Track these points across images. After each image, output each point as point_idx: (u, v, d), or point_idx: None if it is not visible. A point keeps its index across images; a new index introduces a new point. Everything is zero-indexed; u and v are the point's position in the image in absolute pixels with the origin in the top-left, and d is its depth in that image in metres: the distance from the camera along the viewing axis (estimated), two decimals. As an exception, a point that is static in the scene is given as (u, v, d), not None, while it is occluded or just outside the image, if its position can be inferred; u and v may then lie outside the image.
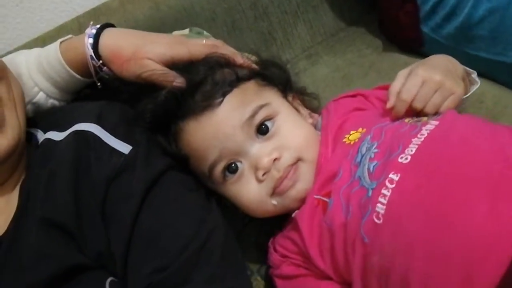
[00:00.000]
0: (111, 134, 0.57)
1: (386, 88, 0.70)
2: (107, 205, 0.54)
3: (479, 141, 0.51)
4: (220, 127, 0.58)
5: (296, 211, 0.60)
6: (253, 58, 0.83)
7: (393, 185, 0.49)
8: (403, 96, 0.58)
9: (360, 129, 0.60)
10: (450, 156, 0.49)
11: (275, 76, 0.66)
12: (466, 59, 0.85)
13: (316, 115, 0.71)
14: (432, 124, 0.54)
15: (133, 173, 0.54)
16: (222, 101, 0.58)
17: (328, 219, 0.54)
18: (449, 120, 0.55)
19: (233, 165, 0.59)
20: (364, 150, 0.56)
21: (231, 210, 0.64)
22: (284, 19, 1.02)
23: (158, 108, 0.59)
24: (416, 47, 0.95)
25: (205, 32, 0.82)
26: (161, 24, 0.88)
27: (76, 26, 0.87)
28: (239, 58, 0.65)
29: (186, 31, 0.82)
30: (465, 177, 0.47)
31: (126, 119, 0.60)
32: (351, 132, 0.61)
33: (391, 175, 0.50)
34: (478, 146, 0.50)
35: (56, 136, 0.58)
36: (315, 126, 0.69)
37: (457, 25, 0.84)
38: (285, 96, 0.66)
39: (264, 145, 0.59)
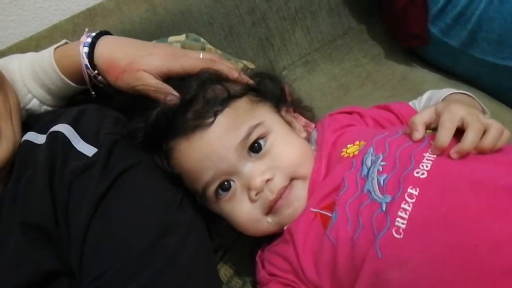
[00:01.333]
0: (81, 136, 0.56)
1: (383, 108, 0.71)
2: (68, 211, 0.53)
3: (494, 155, 0.52)
4: (213, 148, 0.57)
5: (288, 224, 0.59)
6: (252, 66, 0.83)
7: (414, 200, 0.49)
8: (446, 124, 0.53)
9: (357, 142, 0.60)
10: (469, 169, 0.50)
11: (269, 90, 0.65)
12: (471, 63, 0.87)
13: (311, 126, 0.71)
14: None
15: (91, 177, 0.53)
16: (213, 121, 0.57)
17: (332, 234, 0.53)
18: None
19: (226, 183, 0.59)
20: (369, 162, 0.55)
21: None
22: (282, 25, 1.01)
23: (149, 128, 0.58)
24: (418, 44, 0.95)
25: (201, 39, 0.81)
26: (157, 28, 0.87)
27: (71, 26, 0.85)
28: (234, 73, 0.63)
29: (183, 36, 0.81)
30: (487, 188, 0.47)
31: (101, 122, 0.58)
32: (348, 145, 0.60)
33: (410, 190, 0.49)
34: (494, 158, 0.51)
35: (36, 138, 0.58)
36: (309, 139, 0.68)
37: (468, 27, 0.84)
38: (278, 110, 0.66)
39: (256, 165, 0.58)
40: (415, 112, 0.69)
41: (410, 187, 0.50)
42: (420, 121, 0.56)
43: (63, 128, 0.56)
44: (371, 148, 0.57)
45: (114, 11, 0.87)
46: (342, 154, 0.60)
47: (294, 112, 0.72)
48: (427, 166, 0.51)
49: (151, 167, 0.58)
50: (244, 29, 0.97)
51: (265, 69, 0.76)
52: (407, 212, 0.48)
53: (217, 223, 0.66)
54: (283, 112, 0.67)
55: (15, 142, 0.56)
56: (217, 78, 0.61)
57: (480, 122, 0.53)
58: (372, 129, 0.66)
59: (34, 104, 0.65)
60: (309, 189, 0.60)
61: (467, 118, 0.52)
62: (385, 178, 0.52)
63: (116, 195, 0.53)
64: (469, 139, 0.51)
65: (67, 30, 0.85)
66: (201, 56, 0.64)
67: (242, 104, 0.61)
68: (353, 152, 0.59)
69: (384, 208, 0.50)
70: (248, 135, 0.58)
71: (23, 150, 0.57)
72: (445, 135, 0.52)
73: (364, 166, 0.55)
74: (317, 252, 0.55)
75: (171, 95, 0.59)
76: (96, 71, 0.62)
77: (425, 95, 0.72)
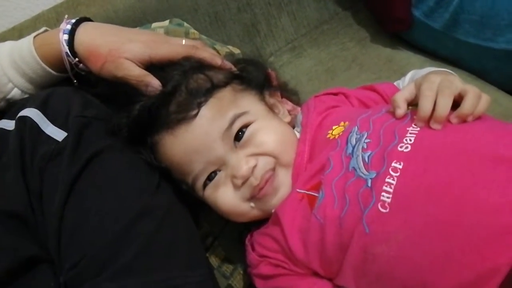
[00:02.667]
0: (50, 120, 0.55)
1: (368, 88, 0.71)
2: (43, 198, 0.52)
3: (477, 124, 0.52)
4: (199, 141, 0.57)
5: (275, 208, 0.60)
6: (237, 51, 0.83)
7: (398, 173, 0.49)
8: (425, 92, 0.52)
9: (342, 123, 0.60)
10: (452, 140, 0.50)
11: (253, 77, 0.65)
12: (454, 45, 0.88)
13: (297, 110, 0.71)
14: None
15: (61, 162, 0.52)
16: (197, 113, 0.57)
17: (319, 213, 0.53)
18: None
19: (213, 173, 0.59)
20: (354, 141, 0.55)
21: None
22: (268, 10, 1.00)
23: (132, 123, 0.58)
24: (402, 29, 0.95)
25: (185, 24, 0.81)
26: (141, 15, 0.86)
27: (54, 16, 0.85)
28: (217, 60, 0.63)
29: (166, 22, 0.80)
30: (471, 157, 0.48)
31: (70, 104, 0.58)
32: (333, 127, 0.61)
33: (394, 164, 0.50)
34: (477, 128, 0.51)
35: (7, 124, 0.57)
36: (294, 123, 0.69)
37: (450, 9, 0.85)
38: (262, 98, 0.66)
39: (240, 153, 0.59)
40: (397, 90, 0.68)
41: (394, 161, 0.50)
42: (401, 97, 0.56)
43: (31, 112, 0.55)
44: (356, 127, 0.57)
45: (97, -1, 0.86)
46: (328, 136, 0.60)
47: (282, 97, 0.72)
48: (410, 140, 0.51)
49: (124, 150, 0.57)
50: (229, 15, 0.96)
51: (250, 55, 0.75)
52: (392, 186, 0.49)
53: (205, 210, 0.66)
54: (267, 96, 0.67)
55: None
56: (200, 66, 0.61)
57: (460, 86, 0.53)
58: (356, 109, 0.66)
59: (15, 93, 0.64)
60: (293, 173, 0.60)
61: (444, 83, 0.53)
62: (369, 155, 0.53)
63: (88, 180, 0.52)
64: (469, 102, 0.51)
65: (50, 19, 0.84)
66: (183, 43, 0.63)
67: (226, 94, 0.61)
68: (338, 133, 0.59)
69: (369, 184, 0.50)
70: (232, 123, 0.58)
71: None
72: (426, 104, 0.52)
73: (349, 144, 0.55)
74: (305, 232, 0.55)
75: (152, 85, 0.58)
76: (77, 59, 0.61)
77: (408, 75, 0.72)
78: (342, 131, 0.58)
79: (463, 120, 0.52)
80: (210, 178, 0.59)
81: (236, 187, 0.59)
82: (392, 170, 0.50)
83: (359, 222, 0.50)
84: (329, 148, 0.58)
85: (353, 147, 0.55)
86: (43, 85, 0.66)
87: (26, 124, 0.54)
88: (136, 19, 0.86)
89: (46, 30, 0.66)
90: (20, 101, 0.61)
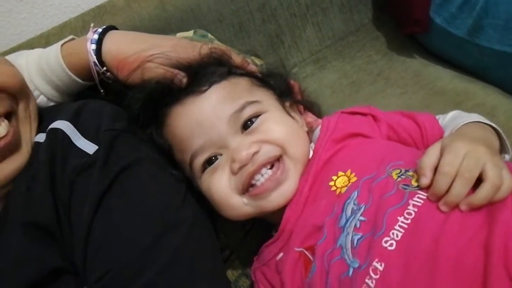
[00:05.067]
0: (81, 134, 0.55)
1: (406, 116, 0.66)
2: (71, 210, 0.52)
3: (465, 223, 0.47)
4: (204, 115, 0.57)
5: (281, 255, 0.58)
6: (259, 62, 0.82)
7: (378, 276, 0.46)
8: (444, 168, 0.48)
9: (348, 172, 0.56)
10: (435, 253, 0.45)
11: (274, 83, 0.65)
12: (478, 53, 0.85)
13: (317, 122, 0.68)
14: (420, 199, 0.49)
15: (92, 176, 0.53)
16: (207, 89, 0.58)
17: (312, 283, 0.52)
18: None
19: (213, 158, 0.58)
20: (349, 212, 0.52)
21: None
22: (292, 21, 1.00)
23: (147, 97, 0.59)
24: (419, 31, 0.93)
25: (209, 35, 0.81)
26: (166, 25, 0.87)
27: (80, 24, 0.86)
28: (243, 61, 0.64)
29: (191, 33, 0.80)
30: (451, 277, 0.44)
31: (101, 117, 0.58)
32: (339, 173, 0.57)
33: (375, 263, 0.47)
34: (464, 232, 0.46)
35: (39, 137, 0.58)
36: (311, 138, 0.66)
37: (474, 14, 0.82)
38: (280, 100, 0.64)
39: (244, 139, 0.57)
40: (439, 127, 0.64)
41: (376, 260, 0.47)
42: (429, 165, 0.50)
43: (63, 125, 0.56)
44: (356, 193, 0.54)
45: (124, 8, 0.87)
46: (330, 184, 0.57)
47: (304, 110, 0.71)
48: (397, 236, 0.47)
49: (152, 163, 0.58)
50: (254, 26, 0.96)
51: (274, 66, 0.75)
52: None
53: (222, 222, 0.65)
54: (286, 105, 0.65)
55: (31, 147, 0.57)
56: (223, 60, 0.62)
57: (463, 147, 0.49)
58: (370, 152, 0.60)
59: (41, 100, 0.65)
60: (288, 209, 0.58)
61: (468, 162, 0.48)
62: (359, 238, 0.50)
63: (117, 194, 0.53)
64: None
65: (77, 27, 0.85)
66: (209, 47, 0.63)
67: (242, 82, 0.61)
68: (340, 189, 0.55)
69: (350, 274, 0.48)
70: (242, 108, 0.57)
71: (33, 152, 0.57)
72: (441, 184, 0.47)
73: (344, 214, 0.53)
74: None
75: (178, 76, 0.60)
76: (104, 68, 0.62)
77: (450, 114, 0.66)
78: (345, 188, 0.55)
79: (473, 209, 0.47)
80: (210, 162, 0.58)
81: (233, 174, 0.57)
82: (372, 271, 0.47)
83: None
84: (327, 206, 0.55)
85: (347, 220, 0.52)
86: (69, 93, 0.67)
87: (58, 136, 0.55)
88: (161, 29, 0.86)
89: (73, 38, 0.67)
90: (49, 113, 0.62)
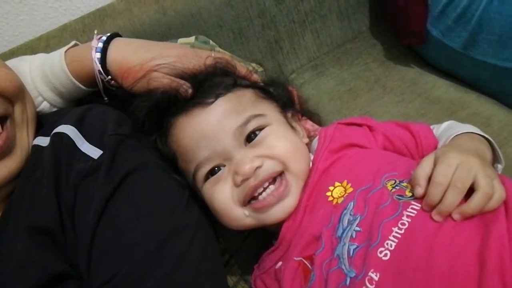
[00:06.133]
0: (86, 138, 0.55)
1: (401, 126, 0.67)
2: (75, 214, 0.52)
3: (458, 232, 0.48)
4: (210, 128, 0.57)
5: (280, 264, 0.58)
6: (260, 69, 0.83)
7: (373, 286, 0.47)
8: (438, 179, 0.49)
9: (345, 183, 0.57)
10: (427, 263, 0.47)
11: (277, 93, 0.66)
12: (473, 65, 0.87)
13: (316, 129, 0.70)
14: (414, 209, 0.51)
15: (97, 180, 0.53)
16: (213, 101, 0.58)
17: None
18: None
19: (216, 168, 0.59)
20: (345, 222, 0.53)
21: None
22: (291, 28, 1.00)
23: (152, 105, 0.59)
24: (416, 42, 0.95)
25: (211, 42, 0.81)
26: (167, 29, 0.87)
27: (80, 27, 0.86)
28: (246, 71, 0.65)
29: (192, 39, 0.81)
30: (446, 287, 0.45)
31: (105, 123, 0.58)
32: (336, 184, 0.58)
33: (370, 274, 0.48)
34: (457, 241, 0.47)
35: (42, 141, 0.57)
36: (309, 148, 0.67)
37: (469, 28, 0.84)
38: (283, 112, 0.65)
39: (248, 152, 0.58)
40: (433, 137, 0.65)
41: (372, 270, 0.48)
42: (422, 176, 0.51)
43: (67, 129, 0.56)
44: (352, 203, 0.55)
45: (124, 12, 0.87)
46: (327, 194, 0.58)
47: (302, 116, 0.72)
48: (391, 246, 0.48)
49: (156, 168, 0.58)
50: (253, 32, 0.96)
51: (272, 72, 0.75)
52: None
53: (222, 227, 0.66)
54: (288, 116, 0.66)
55: (28, 151, 0.57)
56: (229, 70, 0.63)
57: (455, 158, 0.50)
58: (366, 162, 0.61)
59: (44, 106, 0.65)
60: (287, 218, 0.58)
61: (460, 173, 0.49)
62: (355, 248, 0.51)
63: (122, 198, 0.53)
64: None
65: (77, 30, 0.85)
66: (213, 56, 0.64)
67: (247, 94, 0.62)
68: (337, 199, 0.56)
69: (347, 283, 0.49)
70: (247, 122, 0.58)
71: (32, 155, 0.57)
72: (435, 194, 0.49)
73: (341, 225, 0.54)
74: None
75: (184, 86, 0.60)
76: (109, 77, 0.62)
77: (444, 124, 0.67)
78: (342, 198, 0.56)
79: (465, 218, 0.48)
80: (212, 172, 0.58)
81: (235, 186, 0.57)
82: (368, 281, 0.48)
83: None
84: (324, 216, 0.56)
85: (344, 230, 0.53)
86: (72, 99, 0.67)
87: (63, 140, 0.55)
88: (162, 33, 0.87)
89: (76, 44, 0.67)
90: (52, 118, 0.62)
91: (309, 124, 0.72)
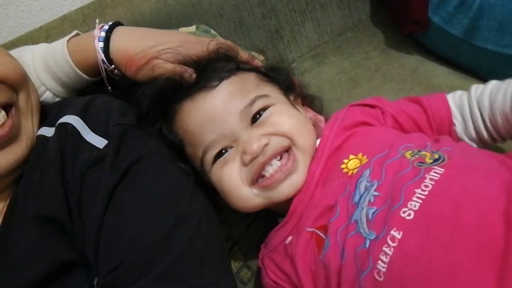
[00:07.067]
0: (91, 128, 0.56)
1: (412, 101, 0.67)
2: (82, 203, 0.53)
3: (484, 193, 0.48)
4: (216, 111, 0.58)
5: (290, 238, 0.58)
6: (261, 57, 0.83)
7: (395, 244, 0.47)
8: None
9: (360, 155, 0.58)
10: (454, 220, 0.46)
11: (279, 78, 0.66)
12: (473, 52, 0.87)
13: (318, 118, 0.70)
14: (437, 173, 0.51)
15: (103, 169, 0.53)
16: (218, 84, 0.59)
17: (325, 260, 0.52)
18: (454, 170, 0.51)
19: (223, 151, 0.59)
20: (362, 188, 0.53)
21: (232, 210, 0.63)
22: (292, 17, 1.00)
23: (157, 93, 0.60)
24: (418, 30, 0.94)
25: (212, 31, 0.81)
26: (167, 19, 0.87)
27: (81, 17, 0.85)
28: (249, 57, 0.65)
29: (193, 28, 0.81)
30: (471, 244, 0.45)
31: (109, 112, 0.59)
32: (350, 156, 0.58)
33: (393, 232, 0.48)
34: (483, 201, 0.47)
35: (47, 131, 0.58)
36: (318, 133, 0.67)
37: (470, 14, 0.84)
38: (286, 94, 0.66)
39: (254, 131, 0.58)
40: (446, 109, 0.64)
41: (394, 229, 0.48)
42: None
43: (73, 119, 0.56)
44: (368, 171, 0.55)
45: (124, 2, 0.87)
46: (342, 166, 0.58)
47: (303, 104, 0.72)
48: (415, 206, 0.48)
49: (161, 156, 0.58)
50: (254, 21, 0.96)
51: (276, 62, 0.76)
52: (388, 257, 0.47)
53: (225, 214, 0.66)
54: (291, 99, 0.67)
55: (33, 139, 0.57)
56: (231, 55, 0.63)
57: None
58: (382, 136, 0.62)
59: (47, 96, 0.65)
60: (299, 192, 0.59)
61: None
62: (374, 212, 0.51)
63: (128, 187, 0.53)
64: None
65: (77, 20, 0.85)
66: (215, 42, 0.64)
67: (250, 77, 0.62)
68: (352, 171, 0.57)
69: (367, 245, 0.49)
70: (252, 102, 0.59)
71: (37, 145, 0.58)
72: None
73: (357, 191, 0.53)
74: (314, 274, 0.54)
75: (188, 71, 0.60)
76: (112, 66, 0.62)
77: (488, 87, 0.62)
78: (357, 169, 0.56)
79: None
80: (220, 154, 0.59)
81: (244, 165, 0.58)
82: (390, 239, 0.47)
83: (356, 280, 0.49)
84: (339, 185, 0.56)
85: (361, 196, 0.53)
86: (74, 89, 0.67)
87: (68, 130, 0.55)
88: (162, 23, 0.86)
89: (77, 34, 0.67)
90: (56, 108, 0.62)
91: (311, 113, 0.72)
